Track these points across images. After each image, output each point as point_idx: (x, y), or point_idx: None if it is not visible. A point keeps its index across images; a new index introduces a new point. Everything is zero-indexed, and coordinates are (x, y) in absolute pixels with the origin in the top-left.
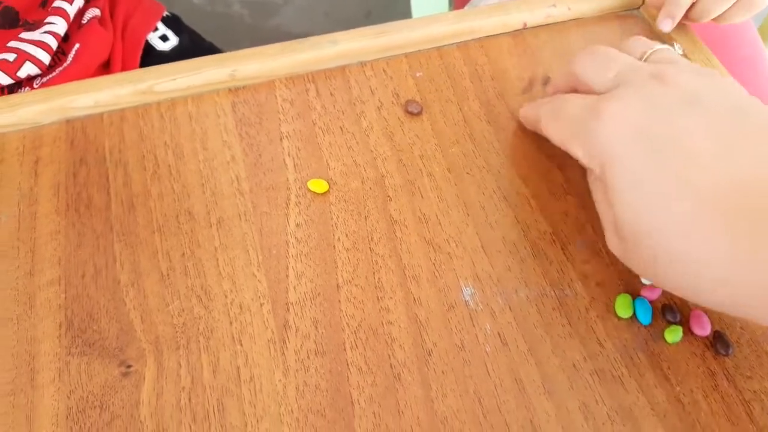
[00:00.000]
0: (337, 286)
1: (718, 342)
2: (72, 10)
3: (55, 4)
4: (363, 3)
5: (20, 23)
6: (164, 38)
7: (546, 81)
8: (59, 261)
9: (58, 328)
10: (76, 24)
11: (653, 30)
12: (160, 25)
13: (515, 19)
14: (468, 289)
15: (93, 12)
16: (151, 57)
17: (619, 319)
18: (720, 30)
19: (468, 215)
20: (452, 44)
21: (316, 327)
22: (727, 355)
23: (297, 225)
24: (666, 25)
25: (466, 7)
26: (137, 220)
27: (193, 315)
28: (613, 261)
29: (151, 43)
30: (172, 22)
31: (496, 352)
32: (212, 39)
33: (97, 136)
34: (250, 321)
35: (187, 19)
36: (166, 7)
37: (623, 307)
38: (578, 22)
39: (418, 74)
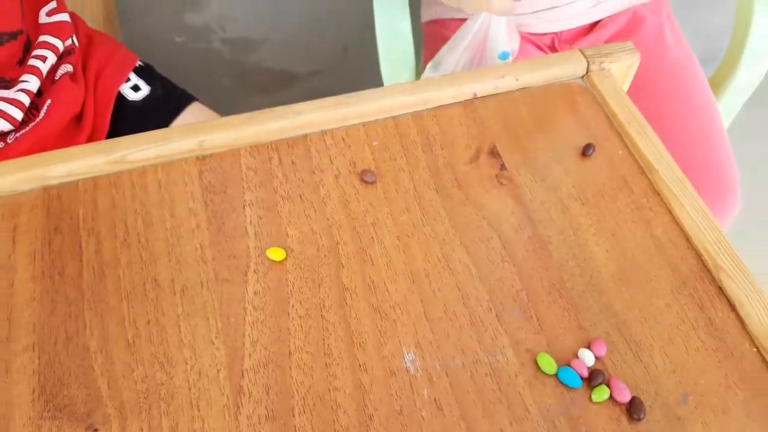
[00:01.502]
0: (289, 353)
1: (633, 407)
2: (45, 67)
3: (30, 62)
4: (340, 38)
5: None
6: (136, 88)
7: (492, 151)
8: (34, 327)
9: (32, 393)
10: (49, 80)
11: (595, 98)
12: (132, 75)
13: (466, 89)
14: (410, 355)
15: (65, 68)
16: (123, 107)
17: (546, 375)
18: (672, 81)
19: (413, 282)
20: (407, 114)
21: (268, 393)
22: (640, 420)
23: (255, 293)
24: None
25: (427, 66)
26: (107, 288)
27: (155, 381)
28: (543, 328)
29: (122, 93)
30: (143, 71)
31: (431, 417)
32: (194, 75)
33: (71, 204)
34: (207, 387)
35: (168, 57)
36: (147, 46)
37: (546, 363)
38: (525, 91)
39: (374, 143)
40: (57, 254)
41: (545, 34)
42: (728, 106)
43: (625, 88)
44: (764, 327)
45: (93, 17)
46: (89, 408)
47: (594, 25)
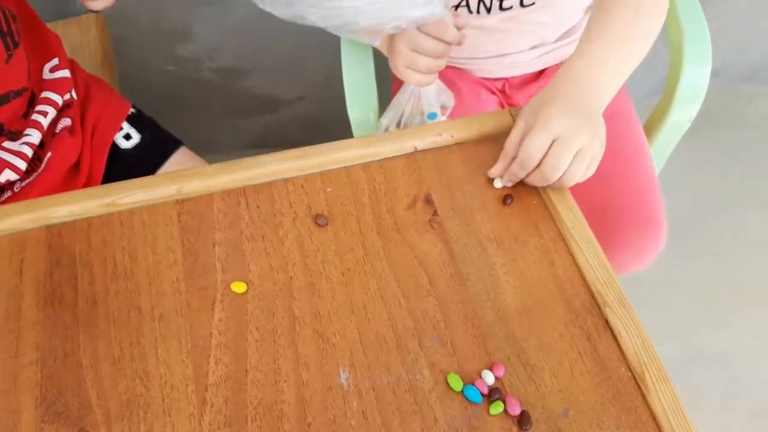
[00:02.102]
0: (246, 371)
1: (522, 420)
2: (46, 121)
3: (33, 117)
4: (322, 67)
5: (4, 132)
6: (128, 137)
7: (427, 198)
8: (37, 346)
9: (35, 401)
10: (50, 132)
11: None
12: (125, 124)
13: (408, 144)
14: (345, 374)
15: (65, 122)
16: (116, 155)
17: (454, 392)
18: (607, 129)
19: (353, 312)
20: (358, 164)
21: (227, 404)
22: (527, 430)
23: (219, 320)
24: (497, 182)
25: (380, 123)
26: (98, 314)
27: (135, 393)
28: (455, 352)
29: (116, 142)
30: (135, 119)
31: (358, 425)
32: (185, 101)
33: (70, 241)
34: (177, 398)
35: (162, 85)
36: (142, 75)
37: (454, 381)
38: (460, 146)
39: (328, 190)
40: (57, 284)
41: (497, 79)
42: (663, 146)
43: None
44: (638, 355)
45: (92, 53)
46: (81, 414)
47: (542, 72)
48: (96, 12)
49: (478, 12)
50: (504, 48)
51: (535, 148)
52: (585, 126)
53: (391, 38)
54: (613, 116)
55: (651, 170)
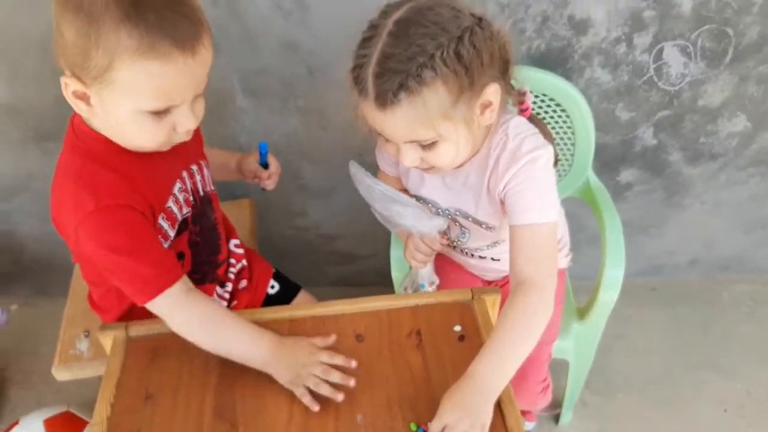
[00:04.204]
0: None
1: None
2: (233, 279)
3: (228, 275)
4: (387, 240)
5: (218, 282)
6: (272, 287)
7: (418, 332)
8: None
9: None
10: (235, 287)
11: (473, 312)
12: (271, 280)
13: (412, 302)
14: None
15: (242, 283)
16: (267, 298)
17: None
18: None
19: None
20: (384, 310)
21: None
22: None
23: None
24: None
25: (402, 282)
26: None
27: None
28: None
29: (267, 291)
30: (276, 275)
31: None
32: (298, 254)
33: None
34: None
35: (284, 243)
36: (273, 238)
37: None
38: (441, 305)
39: (366, 322)
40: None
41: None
42: (598, 318)
43: (496, 307)
44: None
45: (245, 227)
46: None
47: None
48: (250, 195)
49: (454, 247)
50: (482, 262)
51: (433, 429)
52: (467, 419)
53: (407, 238)
54: None
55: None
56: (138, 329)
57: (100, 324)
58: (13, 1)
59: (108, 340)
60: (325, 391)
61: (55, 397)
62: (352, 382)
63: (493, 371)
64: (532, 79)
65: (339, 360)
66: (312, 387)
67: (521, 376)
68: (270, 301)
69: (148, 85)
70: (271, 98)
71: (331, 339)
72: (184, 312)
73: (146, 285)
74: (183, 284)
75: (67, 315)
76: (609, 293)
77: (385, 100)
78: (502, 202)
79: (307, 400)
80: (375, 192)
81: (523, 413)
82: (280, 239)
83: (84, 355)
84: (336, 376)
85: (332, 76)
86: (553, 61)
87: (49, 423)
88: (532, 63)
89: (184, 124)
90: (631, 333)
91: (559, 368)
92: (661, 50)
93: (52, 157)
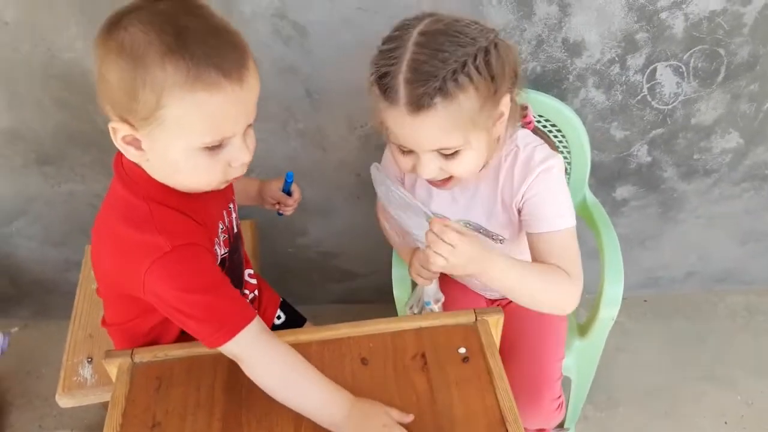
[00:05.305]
0: None
1: None
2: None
3: (245, 277)
4: (390, 255)
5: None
6: (278, 317)
7: (423, 354)
8: None
9: None
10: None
11: (477, 332)
12: (278, 311)
13: (416, 323)
14: None
15: (251, 294)
16: (273, 328)
17: None
18: (540, 327)
19: None
20: (389, 333)
21: None
22: None
23: None
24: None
25: (408, 301)
26: None
27: None
28: None
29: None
30: (282, 305)
31: None
32: (299, 271)
33: None
34: None
35: (285, 260)
36: (274, 255)
37: None
38: (446, 327)
39: (370, 345)
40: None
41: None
42: (597, 339)
43: (499, 327)
44: None
45: (248, 247)
46: None
47: None
48: (252, 216)
49: None
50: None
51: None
52: (459, 255)
53: (412, 256)
54: (544, 319)
55: (557, 361)
56: (143, 356)
57: (104, 350)
58: (15, 28)
59: (113, 367)
60: None
61: (57, 421)
62: None
63: (507, 268)
64: (528, 100)
65: None
66: None
67: (536, 396)
68: (274, 329)
69: (199, 117)
70: (272, 121)
71: (410, 417)
72: (265, 353)
73: (224, 323)
74: (259, 323)
75: (69, 341)
76: (609, 310)
77: (420, 104)
78: (519, 212)
79: None
80: (393, 196)
81: None
82: (281, 257)
83: (88, 382)
84: None
85: (330, 98)
86: (549, 82)
87: None
88: (527, 85)
89: (239, 157)
90: (630, 346)
91: (562, 385)
92: (654, 70)
93: (52, 182)
